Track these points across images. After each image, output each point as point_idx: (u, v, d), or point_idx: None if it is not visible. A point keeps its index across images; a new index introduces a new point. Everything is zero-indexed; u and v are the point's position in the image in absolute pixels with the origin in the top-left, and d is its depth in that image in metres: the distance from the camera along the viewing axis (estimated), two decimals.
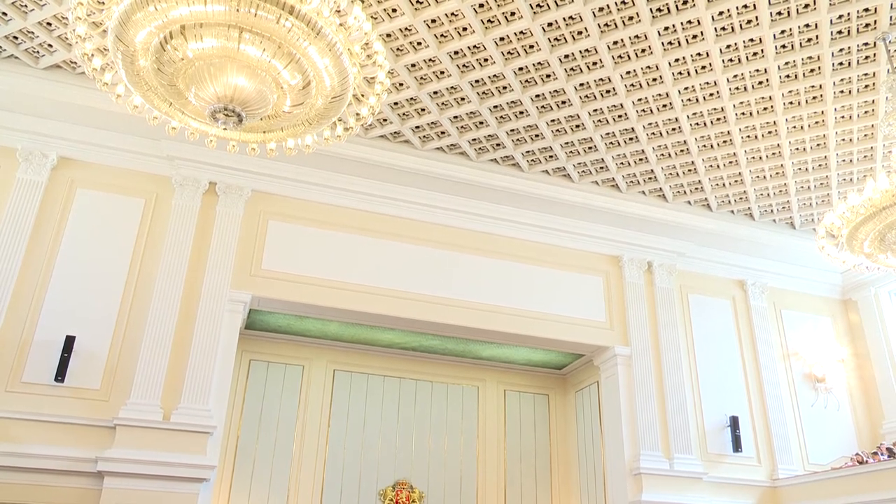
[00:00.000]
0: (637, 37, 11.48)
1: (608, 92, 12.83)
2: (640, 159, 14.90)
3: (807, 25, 11.18)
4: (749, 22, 11.12)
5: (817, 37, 11.37)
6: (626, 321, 16.13)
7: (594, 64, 12.13)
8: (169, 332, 12.85)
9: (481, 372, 19.14)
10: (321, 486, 16.75)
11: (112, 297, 12.93)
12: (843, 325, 18.33)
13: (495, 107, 13.34)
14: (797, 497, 15.16)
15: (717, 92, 12.74)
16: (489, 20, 11.18)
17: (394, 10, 11.00)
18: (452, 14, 11.10)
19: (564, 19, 11.11)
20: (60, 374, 11.96)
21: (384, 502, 17.10)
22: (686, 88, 12.67)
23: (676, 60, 11.99)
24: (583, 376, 18.66)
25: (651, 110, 13.31)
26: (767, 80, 12.37)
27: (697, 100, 12.97)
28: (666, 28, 11.28)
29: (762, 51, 11.69)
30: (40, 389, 11.91)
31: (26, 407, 11.71)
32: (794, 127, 13.70)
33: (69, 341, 12.16)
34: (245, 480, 16.29)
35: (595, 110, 13.34)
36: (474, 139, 14.40)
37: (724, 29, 11.31)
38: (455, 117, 13.72)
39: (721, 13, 10.96)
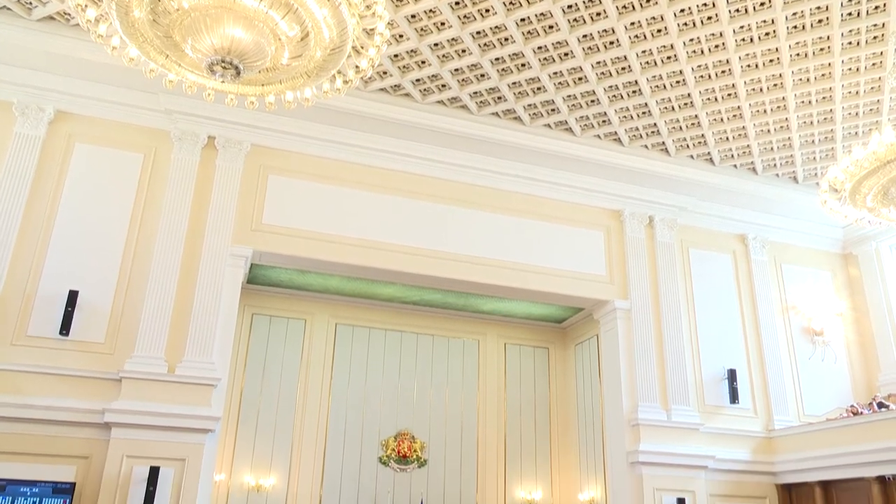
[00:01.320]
0: None
1: (612, 44, 12.60)
2: (643, 113, 14.74)
3: None
4: None
5: None
6: (627, 275, 16.19)
7: (598, 15, 11.89)
8: (171, 286, 12.92)
9: (482, 325, 19.31)
10: (324, 437, 17.09)
11: (113, 252, 12.96)
12: (842, 280, 18.40)
13: (497, 59, 13.12)
14: (792, 447, 15.44)
15: (723, 44, 12.51)
16: None
17: None
18: None
19: None
20: (65, 328, 12.08)
21: (387, 452, 17.45)
22: (691, 40, 12.44)
23: (682, 11, 11.74)
24: (582, 330, 18.83)
25: (655, 62, 13.10)
26: (775, 31, 12.14)
27: (702, 52, 12.75)
28: None
29: (770, 1, 11.44)
30: (46, 343, 12.05)
31: (33, 360, 11.87)
32: (800, 80, 13.49)
33: (72, 296, 12.24)
34: (250, 431, 16.60)
35: (598, 62, 13.13)
36: (475, 92, 14.22)
37: None
38: (456, 70, 13.52)
39: None
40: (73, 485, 11.40)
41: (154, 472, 11.61)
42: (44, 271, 12.43)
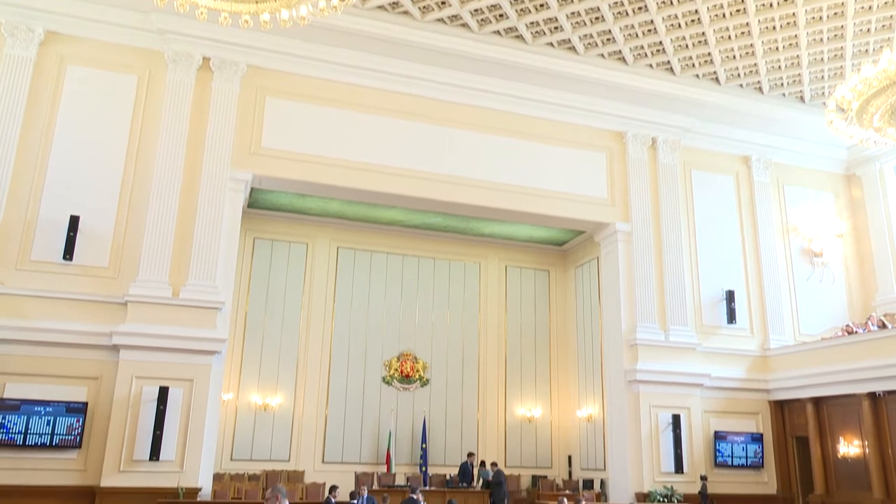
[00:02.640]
0: None
1: None
2: (649, 30, 14.33)
3: None
4: None
5: None
6: (628, 197, 16.13)
7: None
8: (172, 211, 12.91)
9: (483, 248, 19.40)
10: (329, 358, 17.45)
11: (112, 177, 12.89)
12: (844, 201, 18.35)
13: None
14: (786, 366, 15.78)
15: None
16: None
17: None
18: None
19: None
20: (68, 253, 12.15)
21: (389, 372, 17.86)
22: None
23: None
24: (583, 252, 18.93)
25: None
26: None
27: None
28: None
29: None
30: (50, 267, 12.14)
31: (38, 284, 11.98)
32: None
33: (73, 221, 12.26)
34: (255, 353, 16.95)
35: None
36: (476, 9, 13.79)
37: None
38: None
39: None
40: (85, 404, 11.74)
41: (163, 392, 11.94)
42: (44, 196, 12.40)
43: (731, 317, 16.16)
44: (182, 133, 13.30)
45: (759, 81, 16.23)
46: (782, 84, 16.34)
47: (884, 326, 15.18)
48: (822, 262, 17.54)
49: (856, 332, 15.24)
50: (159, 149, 13.11)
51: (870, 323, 15.82)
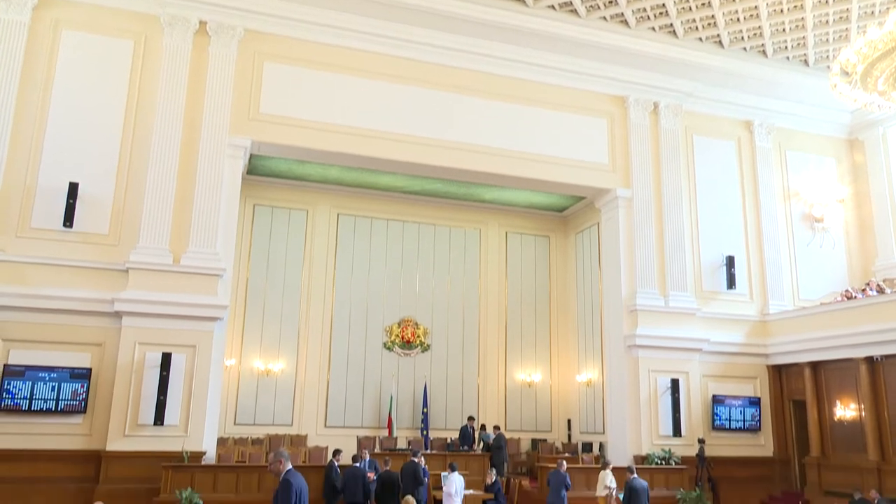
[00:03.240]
0: None
1: None
2: None
3: None
4: None
5: None
6: (629, 163, 16.05)
7: None
8: (171, 177, 12.86)
9: (483, 214, 19.37)
10: (330, 324, 17.54)
11: (111, 144, 12.81)
12: (846, 166, 18.27)
13: None
14: (785, 330, 15.88)
15: None
16: None
17: None
18: None
19: None
20: (68, 220, 12.15)
21: (391, 337, 17.98)
22: None
23: None
24: (583, 218, 18.90)
25: None
26: None
27: None
28: None
29: None
30: (50, 235, 12.15)
31: (39, 251, 12.00)
32: None
33: (73, 188, 12.23)
34: (257, 319, 17.03)
35: None
36: None
37: None
38: None
39: None
40: (89, 370, 11.85)
41: (166, 358, 12.04)
42: (42, 163, 12.35)
43: (731, 282, 16.21)
44: (180, 99, 13.19)
45: (762, 44, 16.03)
46: (786, 47, 16.14)
47: (882, 291, 15.24)
48: (822, 227, 17.53)
49: (855, 297, 15.29)
50: (157, 115, 13.02)
51: (869, 288, 15.88)
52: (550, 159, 15.46)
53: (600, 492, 12.09)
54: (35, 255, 11.93)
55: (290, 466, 6.03)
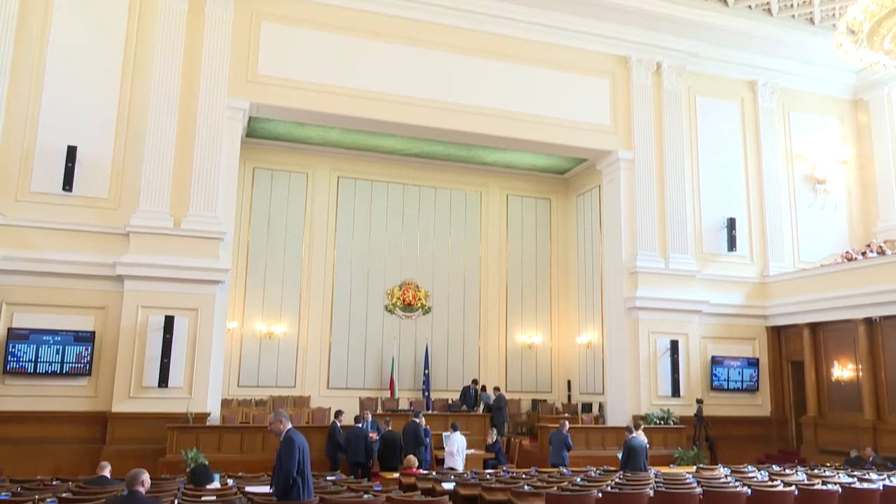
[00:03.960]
0: None
1: None
2: None
3: None
4: None
5: None
6: (631, 125, 15.92)
7: None
8: (170, 141, 12.78)
9: (484, 177, 19.28)
10: (331, 287, 17.61)
11: (108, 107, 12.70)
12: (850, 127, 18.11)
13: None
14: (785, 292, 15.94)
15: None
16: None
17: None
18: None
19: None
20: (68, 184, 12.10)
21: (392, 300, 18.06)
22: None
23: None
24: (585, 181, 18.82)
25: None
26: None
27: None
28: None
29: None
30: (50, 198, 12.12)
31: (39, 215, 11.99)
32: None
33: (71, 151, 12.15)
34: (258, 282, 17.09)
35: None
36: None
37: None
38: None
39: None
40: (92, 333, 11.94)
41: (169, 321, 12.12)
42: (40, 126, 12.25)
43: (732, 244, 16.22)
44: (177, 61, 13.03)
45: (768, 2, 15.77)
46: (792, 5, 15.88)
47: (883, 253, 15.25)
48: (824, 188, 17.46)
49: (855, 258, 15.31)
50: (154, 77, 12.88)
51: (869, 250, 15.88)
52: (552, 121, 15.33)
53: None
54: (35, 220, 11.93)
55: (290, 426, 6.16)
